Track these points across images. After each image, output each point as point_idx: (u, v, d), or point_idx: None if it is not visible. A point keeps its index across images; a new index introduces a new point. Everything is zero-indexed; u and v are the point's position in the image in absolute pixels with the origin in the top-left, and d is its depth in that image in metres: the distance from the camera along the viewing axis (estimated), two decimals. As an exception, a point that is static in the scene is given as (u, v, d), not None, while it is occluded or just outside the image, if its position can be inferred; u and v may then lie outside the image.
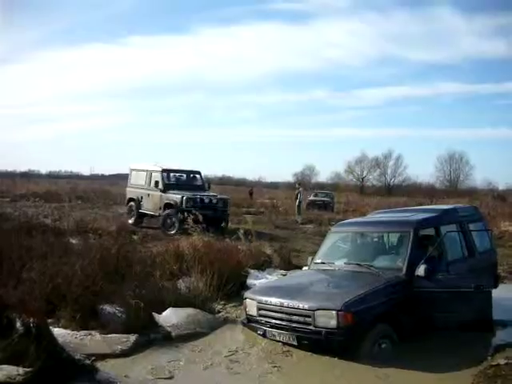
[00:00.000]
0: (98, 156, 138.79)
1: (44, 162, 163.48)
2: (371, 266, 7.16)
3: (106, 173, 79.73)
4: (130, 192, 19.45)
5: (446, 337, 6.69)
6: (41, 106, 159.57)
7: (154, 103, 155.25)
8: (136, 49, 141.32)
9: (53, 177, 72.35)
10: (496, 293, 8.16)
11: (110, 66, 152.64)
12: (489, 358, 6.10)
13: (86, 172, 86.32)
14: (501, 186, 68.78)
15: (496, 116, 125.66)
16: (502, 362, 5.89)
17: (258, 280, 9.73)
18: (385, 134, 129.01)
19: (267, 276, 10.30)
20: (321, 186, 63.77)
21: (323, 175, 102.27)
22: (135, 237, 14.46)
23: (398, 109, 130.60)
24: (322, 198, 38.32)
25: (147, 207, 18.41)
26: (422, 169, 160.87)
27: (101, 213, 21.69)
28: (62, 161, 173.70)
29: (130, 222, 18.50)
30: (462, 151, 78.97)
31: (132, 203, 19.06)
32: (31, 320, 5.46)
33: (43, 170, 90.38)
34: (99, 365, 5.63)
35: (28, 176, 66.39)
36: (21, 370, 4.88)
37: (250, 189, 43.70)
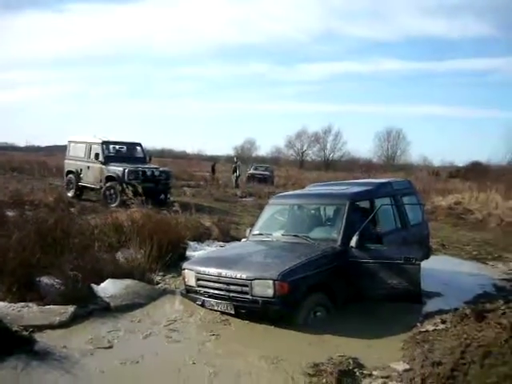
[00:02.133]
0: (34, 127, 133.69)
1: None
2: (308, 237, 7.35)
3: (43, 144, 77.46)
4: (69, 164, 19.01)
5: (379, 306, 6.97)
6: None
7: (94, 74, 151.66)
8: (74, 16, 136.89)
9: (-14, 148, 69.94)
10: (428, 264, 8.59)
11: (46, 34, 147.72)
12: (418, 324, 6.38)
13: (21, 143, 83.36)
14: (436, 163, 70.74)
15: (434, 94, 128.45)
16: (430, 328, 6.21)
17: (197, 252, 9.89)
18: (326, 110, 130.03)
19: (206, 248, 10.48)
20: (261, 160, 63.80)
21: (264, 149, 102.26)
22: (73, 209, 14.24)
23: (340, 84, 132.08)
24: (262, 172, 38.55)
25: (87, 180, 18.07)
26: (361, 144, 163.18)
27: (37, 185, 21.17)
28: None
29: (70, 194, 18.15)
30: (399, 128, 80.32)
31: (71, 176, 18.67)
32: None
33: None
34: (37, 336, 5.62)
35: (-42, 147, 64.12)
36: (-44, 343, 4.88)
37: (212, 163, 42.26)
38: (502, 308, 6.79)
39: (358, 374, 4.78)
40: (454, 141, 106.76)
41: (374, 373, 4.83)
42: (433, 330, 6.10)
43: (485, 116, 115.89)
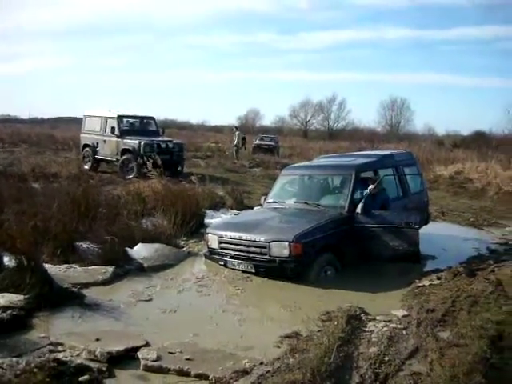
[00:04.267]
0: (36, 99, 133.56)
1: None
2: (318, 204, 8.19)
3: (45, 116, 77.38)
4: (85, 138, 19.54)
5: (382, 266, 7.85)
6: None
7: (95, 45, 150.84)
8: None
9: (-11, 120, 69.56)
10: (428, 230, 9.41)
11: (46, 5, 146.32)
12: (416, 281, 7.24)
13: (23, 115, 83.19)
14: (440, 132, 70.79)
15: (439, 62, 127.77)
16: (427, 283, 7.09)
17: (214, 219, 10.62)
18: (330, 78, 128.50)
19: (222, 215, 11.22)
20: (265, 130, 63.67)
21: (268, 119, 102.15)
22: (92, 181, 14.95)
23: (345, 53, 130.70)
24: (268, 142, 38.34)
25: (104, 153, 18.61)
26: (366, 114, 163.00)
27: (52, 158, 21.79)
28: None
29: (86, 167, 18.67)
30: (403, 97, 79.42)
31: (87, 149, 19.21)
32: (23, 255, 6.24)
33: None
34: (85, 292, 6.45)
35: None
36: (20, 297, 5.70)
37: (242, 135, 41.24)
38: (492, 267, 7.65)
39: (363, 318, 5.63)
40: (459, 110, 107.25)
41: (378, 318, 5.67)
42: (429, 285, 6.98)
43: (490, 85, 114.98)
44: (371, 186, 8.04)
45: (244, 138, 35.95)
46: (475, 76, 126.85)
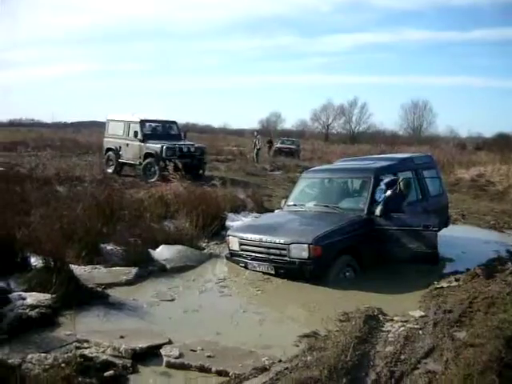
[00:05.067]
0: (59, 103, 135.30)
1: (3, 110, 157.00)
2: (337, 207, 8.30)
3: (69, 120, 78.36)
4: (108, 142, 19.93)
5: (401, 268, 7.93)
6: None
7: (118, 50, 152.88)
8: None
9: (15, 125, 70.47)
10: (448, 232, 9.48)
11: (70, 10, 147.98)
12: (435, 282, 7.30)
13: (47, 120, 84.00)
14: (463, 134, 70.43)
15: (461, 64, 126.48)
16: (445, 285, 7.15)
17: (235, 222, 10.76)
18: (351, 81, 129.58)
19: (242, 218, 11.36)
20: (287, 133, 63.78)
21: (289, 122, 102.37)
22: (116, 184, 15.21)
23: (365, 56, 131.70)
24: (289, 146, 38.64)
25: (127, 157, 18.98)
26: (387, 116, 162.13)
27: (75, 161, 22.18)
28: (22, 108, 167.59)
29: (110, 170, 19.08)
30: (425, 99, 79.48)
31: (110, 153, 19.60)
32: (50, 256, 6.46)
33: (3, 119, 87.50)
34: (109, 292, 6.64)
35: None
36: (47, 296, 5.90)
37: (269, 139, 41.06)
38: (511, 269, 7.69)
39: (381, 318, 5.73)
40: (482, 112, 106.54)
41: (395, 318, 5.78)
42: (447, 287, 7.04)
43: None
44: (389, 192, 8.11)
45: (271, 141, 36.38)
46: (498, 78, 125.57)
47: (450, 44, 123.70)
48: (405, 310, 6.08)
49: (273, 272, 7.37)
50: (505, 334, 4.96)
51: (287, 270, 7.24)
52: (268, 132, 62.44)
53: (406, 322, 5.65)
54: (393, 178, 8.40)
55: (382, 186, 8.22)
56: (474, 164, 25.98)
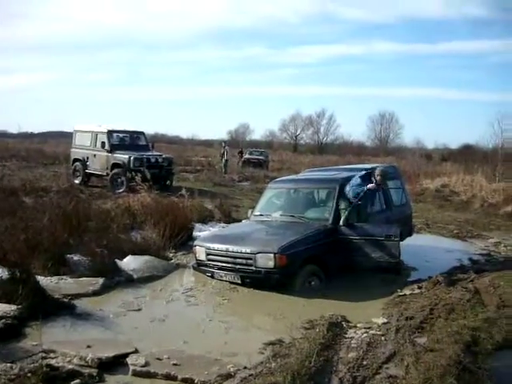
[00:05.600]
0: (25, 113, 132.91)
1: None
2: (303, 217, 8.43)
3: (36, 131, 77.15)
4: (75, 153, 19.74)
5: (366, 277, 8.06)
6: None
7: (86, 60, 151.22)
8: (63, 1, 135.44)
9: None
10: (412, 241, 9.69)
11: (36, 18, 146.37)
12: (398, 290, 7.49)
13: (13, 130, 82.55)
14: (429, 145, 71.53)
15: (428, 76, 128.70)
16: (408, 292, 7.34)
17: (202, 232, 10.81)
18: (320, 93, 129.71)
19: (210, 229, 11.40)
20: (255, 144, 63.97)
21: (258, 133, 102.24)
22: (82, 195, 15.12)
23: (334, 67, 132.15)
24: (257, 157, 38.58)
25: (94, 167, 18.84)
26: (355, 127, 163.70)
27: (42, 172, 21.94)
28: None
29: (77, 181, 18.91)
30: (392, 111, 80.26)
31: (78, 163, 19.43)
32: (16, 267, 6.45)
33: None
34: (76, 302, 6.62)
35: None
36: (13, 307, 5.88)
37: (240, 149, 41.68)
38: (472, 277, 7.90)
39: (344, 325, 5.86)
40: (448, 124, 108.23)
41: (358, 325, 5.91)
42: (410, 294, 7.23)
43: (478, 98, 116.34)
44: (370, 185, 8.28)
45: (242, 152, 36.66)
46: (463, 90, 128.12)
47: (418, 56, 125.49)
48: (368, 317, 6.21)
49: (239, 281, 7.44)
50: (464, 339, 5.12)
51: (253, 279, 7.32)
52: (236, 143, 62.51)
53: (369, 328, 5.78)
54: (365, 171, 8.65)
55: (358, 180, 8.35)
56: (439, 174, 26.38)
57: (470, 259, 9.97)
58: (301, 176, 10.59)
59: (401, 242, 7.96)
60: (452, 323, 5.69)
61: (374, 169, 10.02)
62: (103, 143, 18.15)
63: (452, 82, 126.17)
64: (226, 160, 29.24)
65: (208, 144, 70.27)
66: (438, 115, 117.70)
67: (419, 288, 7.45)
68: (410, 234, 10.18)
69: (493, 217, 16.17)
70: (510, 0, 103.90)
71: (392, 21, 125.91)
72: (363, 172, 8.59)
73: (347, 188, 8.24)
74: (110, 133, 18.49)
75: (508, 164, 28.30)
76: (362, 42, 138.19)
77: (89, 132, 19.16)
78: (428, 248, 10.88)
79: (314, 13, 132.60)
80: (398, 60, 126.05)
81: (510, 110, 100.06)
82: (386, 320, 6.06)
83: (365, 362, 4.74)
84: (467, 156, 36.72)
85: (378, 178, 8.40)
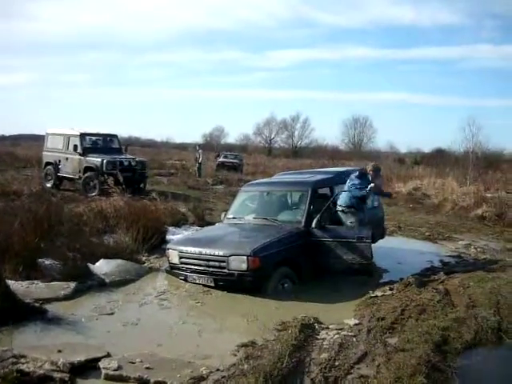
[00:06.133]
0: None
1: None
2: (276, 219, 8.47)
3: (6, 133, 76.17)
4: (47, 156, 19.51)
5: (338, 279, 8.16)
6: None
7: (61, 61, 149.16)
8: (38, 2, 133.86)
9: None
10: (384, 244, 9.80)
11: (10, 17, 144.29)
12: (370, 292, 7.54)
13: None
14: (403, 149, 72.29)
15: (401, 81, 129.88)
16: (380, 294, 7.40)
17: (176, 235, 10.78)
18: (295, 97, 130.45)
19: (183, 232, 11.36)
20: (230, 148, 64.01)
21: (232, 136, 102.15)
22: (54, 199, 14.93)
23: (309, 71, 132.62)
24: (232, 160, 38.72)
25: (66, 171, 18.64)
26: (329, 131, 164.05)
27: (13, 175, 21.63)
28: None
29: (49, 185, 18.68)
30: (366, 115, 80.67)
31: (49, 167, 19.19)
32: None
33: None
34: (47, 307, 6.55)
35: None
36: (-18, 312, 5.83)
37: (217, 153, 42.41)
38: (442, 278, 8.01)
39: (317, 327, 5.90)
40: (421, 128, 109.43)
41: (331, 326, 5.95)
42: (381, 296, 7.29)
43: (449, 103, 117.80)
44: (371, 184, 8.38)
45: (219, 155, 36.81)
46: (436, 95, 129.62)
47: (391, 61, 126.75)
48: (340, 319, 6.26)
49: (212, 284, 7.44)
50: (434, 339, 5.22)
51: (226, 281, 7.33)
52: (211, 146, 62.51)
53: (340, 329, 5.83)
54: (359, 170, 8.79)
55: (354, 180, 8.45)
56: (412, 178, 26.70)
57: (441, 261, 10.13)
58: (274, 179, 10.66)
59: (373, 244, 8.05)
60: (422, 323, 5.79)
61: (347, 171, 10.16)
62: (75, 146, 17.95)
63: (425, 87, 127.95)
64: (200, 163, 29.24)
65: (182, 147, 70.04)
66: (411, 120, 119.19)
67: (391, 289, 7.52)
68: (382, 236, 10.30)
69: (463, 219, 16.40)
70: (480, 6, 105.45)
71: (366, 26, 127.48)
72: (356, 172, 8.70)
73: (344, 194, 8.40)
74: (82, 136, 18.31)
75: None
76: (336, 47, 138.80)
77: (61, 135, 18.96)
78: (400, 250, 11.00)
79: (289, 17, 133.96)
80: (372, 65, 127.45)
81: (481, 114, 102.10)
82: (357, 321, 6.12)
83: (337, 363, 4.79)
84: (439, 160, 37.19)
85: (371, 173, 8.49)
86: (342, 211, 8.44)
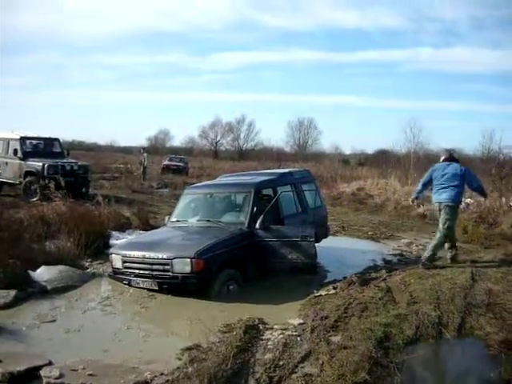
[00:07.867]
0: None
1: None
2: (219, 221, 8.47)
3: None
4: None
5: (284, 279, 8.23)
6: None
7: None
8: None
9: None
10: (328, 243, 9.93)
11: None
12: (314, 291, 7.63)
13: None
14: (347, 151, 73.41)
15: (345, 84, 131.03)
16: (324, 293, 7.49)
17: (119, 240, 10.63)
18: (241, 99, 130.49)
19: (127, 236, 11.18)
20: (175, 151, 63.68)
21: (178, 139, 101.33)
22: (-7, 205, 14.55)
23: (255, 74, 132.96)
24: (177, 163, 38.69)
25: (6, 176, 18.18)
26: (275, 134, 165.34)
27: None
28: None
29: (-13, 191, 18.20)
30: (310, 117, 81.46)
31: (-12, 172, 18.68)
32: None
33: None
34: (-15, 316, 6.43)
35: None
36: None
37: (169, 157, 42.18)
38: (384, 276, 8.18)
39: (261, 328, 5.93)
40: (365, 130, 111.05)
41: (275, 327, 5.99)
42: (325, 295, 7.38)
43: (394, 105, 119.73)
44: None
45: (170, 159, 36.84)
46: (380, 97, 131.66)
47: (336, 64, 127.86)
48: (285, 319, 6.30)
49: (156, 288, 7.38)
50: (376, 335, 5.31)
51: (171, 284, 7.28)
52: (156, 149, 62.00)
53: (285, 329, 5.87)
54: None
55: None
56: (356, 178, 27.15)
57: (383, 259, 10.34)
58: (217, 181, 10.66)
59: (317, 244, 8.15)
60: (365, 320, 5.87)
61: (290, 173, 10.30)
62: (15, 150, 17.46)
63: (370, 89, 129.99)
64: (145, 167, 29.02)
65: (127, 151, 69.26)
66: (355, 121, 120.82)
67: (334, 288, 7.62)
68: (325, 236, 10.47)
69: (405, 218, 16.83)
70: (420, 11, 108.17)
71: (312, 29, 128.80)
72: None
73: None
74: (22, 139, 17.85)
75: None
76: (281, 49, 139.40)
77: (0, 139, 18.42)
78: (343, 250, 11.17)
79: (236, 20, 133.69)
80: (317, 68, 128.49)
81: (421, 116, 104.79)
82: (301, 321, 6.18)
83: (281, 363, 4.82)
84: (382, 160, 37.91)
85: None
86: None
